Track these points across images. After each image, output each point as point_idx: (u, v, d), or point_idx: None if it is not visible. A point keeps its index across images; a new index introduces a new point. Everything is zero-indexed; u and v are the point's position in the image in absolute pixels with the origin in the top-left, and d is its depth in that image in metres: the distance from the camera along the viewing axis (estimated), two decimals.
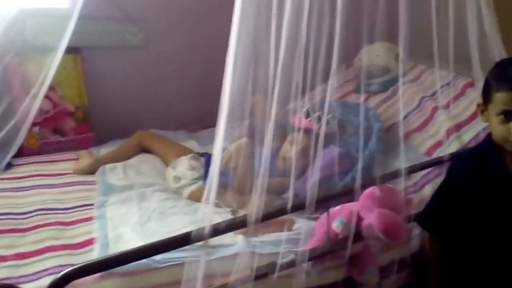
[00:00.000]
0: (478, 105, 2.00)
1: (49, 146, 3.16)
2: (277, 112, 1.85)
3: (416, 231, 2.29)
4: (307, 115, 2.73)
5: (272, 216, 1.89)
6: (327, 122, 2.44)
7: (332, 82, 2.11)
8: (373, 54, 3.32)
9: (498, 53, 2.40)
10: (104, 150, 3.17)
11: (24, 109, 2.54)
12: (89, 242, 2.18)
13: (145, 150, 3.15)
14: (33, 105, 2.51)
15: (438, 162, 2.35)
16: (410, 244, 2.29)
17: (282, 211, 1.90)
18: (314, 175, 2.07)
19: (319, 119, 2.57)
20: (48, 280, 1.78)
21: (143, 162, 3.02)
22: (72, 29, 2.43)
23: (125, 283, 1.86)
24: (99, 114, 3.48)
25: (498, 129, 1.86)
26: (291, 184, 1.96)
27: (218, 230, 1.73)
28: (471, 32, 2.46)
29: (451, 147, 2.61)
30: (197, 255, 1.76)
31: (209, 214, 2.27)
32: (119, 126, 3.36)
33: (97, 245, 2.13)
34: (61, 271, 1.78)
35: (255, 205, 1.77)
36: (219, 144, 1.69)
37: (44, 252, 2.08)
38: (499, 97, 1.82)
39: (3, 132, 2.50)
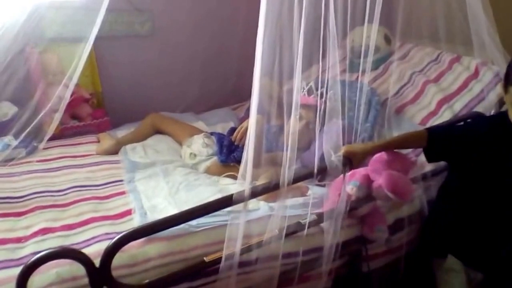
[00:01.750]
0: (501, 85, 2.15)
1: (68, 130, 3.31)
2: (282, 91, 2.05)
3: (419, 191, 2.48)
4: (310, 92, 2.89)
5: (301, 179, 2.08)
6: (329, 98, 2.65)
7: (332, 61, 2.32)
8: (364, 35, 3.49)
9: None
10: (121, 133, 3.33)
11: (57, 96, 2.72)
12: (127, 213, 2.34)
13: (158, 131, 3.30)
14: (65, 92, 2.70)
15: None
16: (413, 203, 2.48)
17: (310, 175, 2.09)
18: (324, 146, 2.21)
19: (322, 95, 2.77)
20: (98, 246, 2.00)
21: (159, 142, 3.17)
22: (97, 21, 2.57)
23: (166, 246, 2.03)
24: (112, 99, 3.64)
25: None
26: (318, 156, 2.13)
27: (255, 193, 1.93)
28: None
29: (444, 115, 2.80)
30: (228, 219, 1.98)
31: (231, 184, 2.49)
32: (132, 109, 3.54)
33: (136, 214, 2.29)
34: (108, 238, 2.00)
35: (285, 174, 1.95)
36: (253, 116, 1.89)
37: (88, 223, 2.24)
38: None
39: (38, 118, 2.68)
